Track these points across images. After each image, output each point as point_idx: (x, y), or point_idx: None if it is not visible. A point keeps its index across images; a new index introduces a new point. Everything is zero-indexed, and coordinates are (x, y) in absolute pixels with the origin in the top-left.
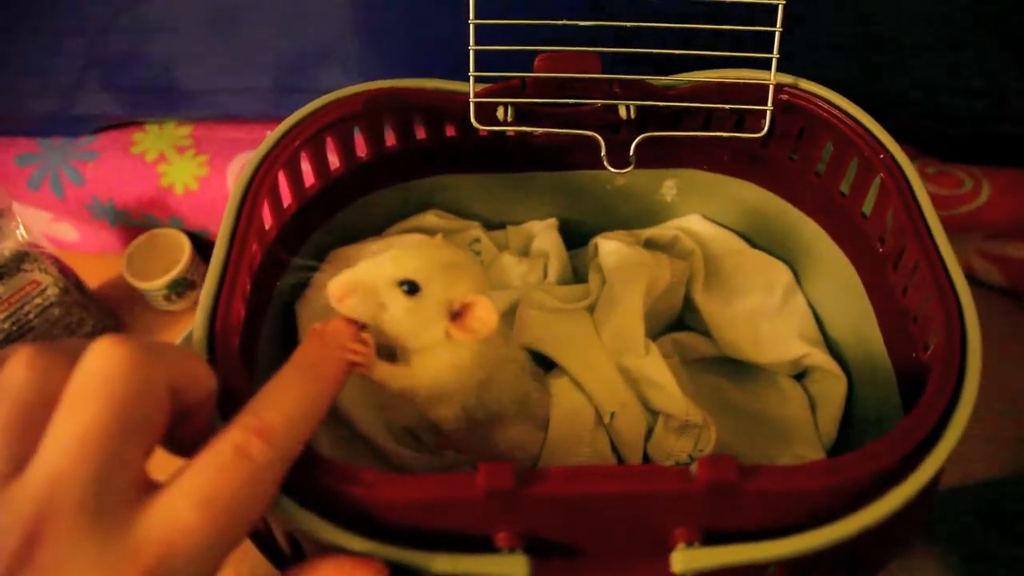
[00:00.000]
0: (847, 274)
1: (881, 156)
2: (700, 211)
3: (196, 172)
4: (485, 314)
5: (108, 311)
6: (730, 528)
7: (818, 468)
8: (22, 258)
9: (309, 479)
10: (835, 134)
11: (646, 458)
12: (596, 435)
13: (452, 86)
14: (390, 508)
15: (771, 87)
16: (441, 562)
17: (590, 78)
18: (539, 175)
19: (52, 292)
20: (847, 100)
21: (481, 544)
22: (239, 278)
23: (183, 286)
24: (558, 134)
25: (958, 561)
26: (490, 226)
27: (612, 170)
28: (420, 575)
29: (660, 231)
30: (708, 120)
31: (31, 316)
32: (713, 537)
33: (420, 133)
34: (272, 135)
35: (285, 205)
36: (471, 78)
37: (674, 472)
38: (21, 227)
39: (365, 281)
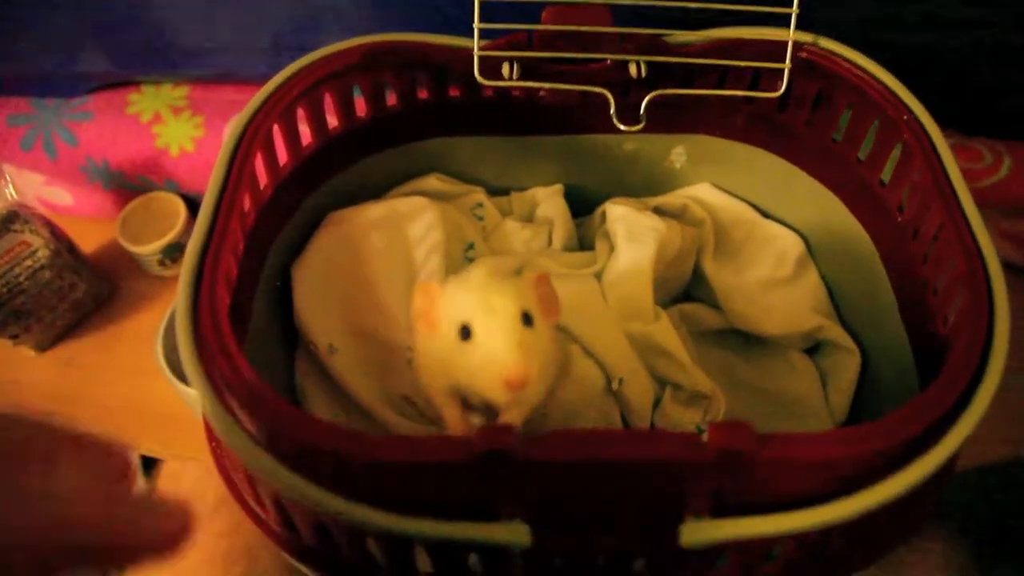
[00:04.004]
0: (862, 244)
1: (905, 117)
2: (710, 179)
3: (192, 133)
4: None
5: (102, 276)
6: (741, 500)
7: (839, 437)
8: (12, 218)
9: (308, 444)
10: (856, 95)
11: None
12: (605, 401)
13: (456, 41)
14: (388, 472)
15: (789, 43)
16: (438, 529)
17: (600, 32)
18: (545, 139)
19: (43, 254)
20: (869, 59)
21: (481, 512)
22: (229, 229)
23: (178, 251)
24: (565, 92)
25: (969, 543)
26: (493, 192)
27: (621, 127)
28: (417, 542)
29: (669, 199)
30: (722, 82)
31: (21, 279)
32: (723, 509)
33: (422, 93)
34: (267, 85)
35: (281, 164)
36: (476, 30)
37: (685, 438)
38: (11, 186)
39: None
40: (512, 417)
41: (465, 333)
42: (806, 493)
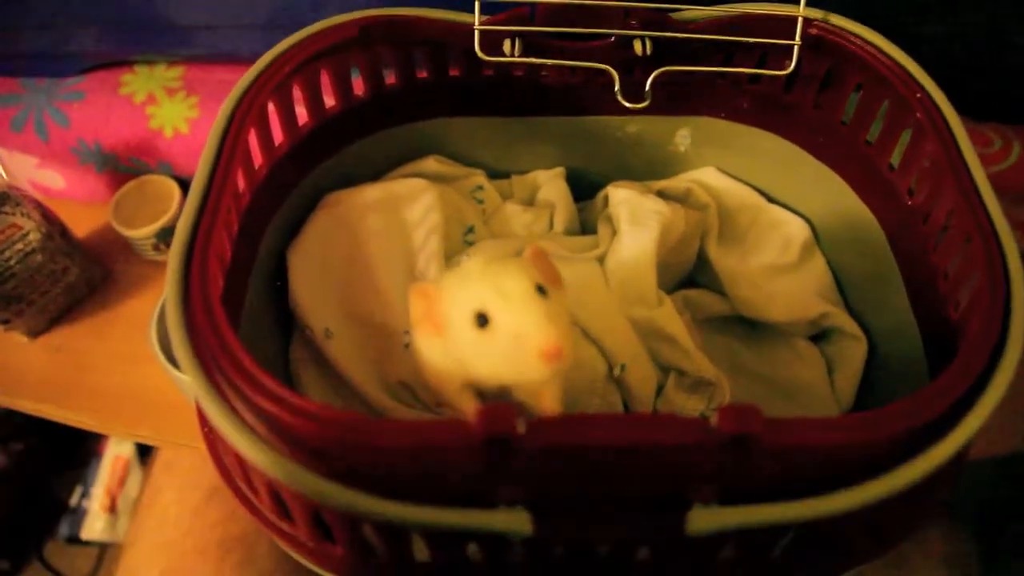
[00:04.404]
0: (870, 230)
1: (918, 95)
2: (715, 163)
3: (186, 115)
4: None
5: (95, 260)
6: (748, 487)
7: (850, 422)
8: (2, 200)
9: (304, 429)
10: (867, 73)
11: None
12: (607, 388)
13: (456, 16)
14: (386, 457)
15: (799, 19)
16: (436, 516)
17: (604, 7)
18: (547, 120)
19: (34, 237)
20: (880, 36)
21: (481, 498)
22: (222, 207)
23: (173, 235)
24: (568, 69)
25: (971, 537)
26: (494, 175)
27: (626, 104)
28: (415, 530)
29: (673, 183)
30: (729, 62)
31: (12, 262)
32: (730, 497)
33: (421, 73)
34: (262, 59)
35: (276, 143)
36: (476, 4)
37: (694, 423)
38: (2, 168)
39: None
40: (551, 403)
41: (482, 321)
42: (814, 481)
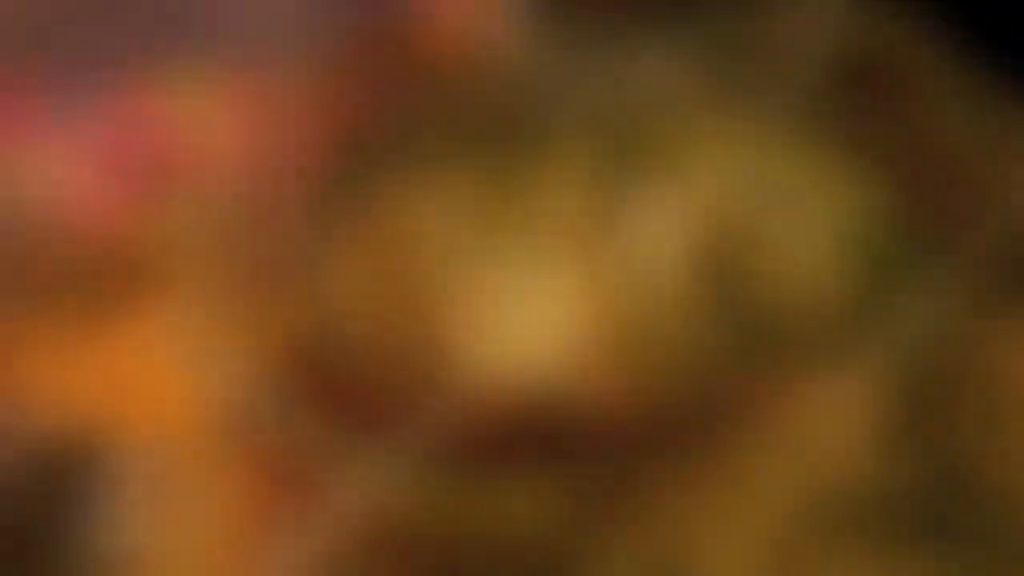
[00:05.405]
0: (899, 228)
1: (947, 94)
2: (738, 163)
3: (218, 120)
4: None
5: (121, 264)
6: None
7: None
8: (29, 204)
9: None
10: (903, 76)
11: None
12: None
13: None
14: None
15: (825, 22)
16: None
17: None
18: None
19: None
20: (913, 34)
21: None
22: (256, 210)
23: (204, 240)
24: None
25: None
26: (517, 171)
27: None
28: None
29: (695, 182)
30: None
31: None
32: None
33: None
34: (295, 63)
35: (311, 145)
36: None
37: None
38: (28, 172)
39: None
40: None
41: (532, 304)
42: None
